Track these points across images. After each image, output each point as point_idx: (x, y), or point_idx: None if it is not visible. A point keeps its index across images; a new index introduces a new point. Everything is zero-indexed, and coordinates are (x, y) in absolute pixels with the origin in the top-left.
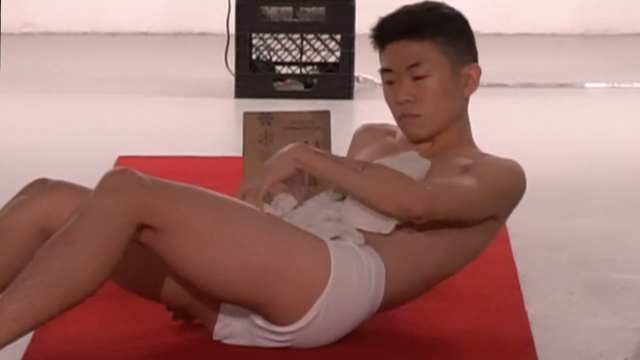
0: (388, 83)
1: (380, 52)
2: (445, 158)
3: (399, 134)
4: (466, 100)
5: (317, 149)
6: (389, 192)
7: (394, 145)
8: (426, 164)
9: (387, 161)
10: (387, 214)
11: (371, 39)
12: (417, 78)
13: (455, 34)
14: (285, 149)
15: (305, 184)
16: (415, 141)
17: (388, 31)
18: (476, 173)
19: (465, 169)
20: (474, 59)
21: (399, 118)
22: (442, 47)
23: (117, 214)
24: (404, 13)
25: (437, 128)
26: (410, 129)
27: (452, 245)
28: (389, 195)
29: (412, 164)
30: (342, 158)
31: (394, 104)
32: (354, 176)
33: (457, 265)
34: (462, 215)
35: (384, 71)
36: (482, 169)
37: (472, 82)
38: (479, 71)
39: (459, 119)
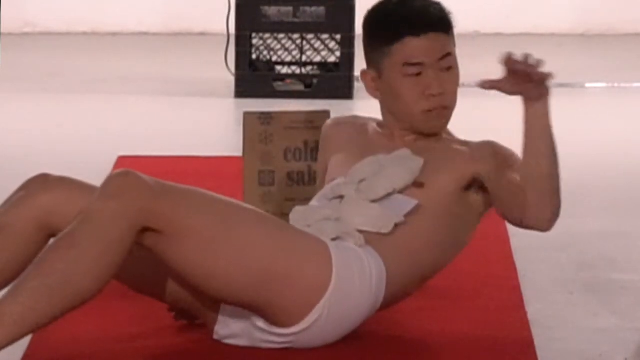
0: (413, 76)
1: (398, 44)
2: (432, 152)
3: (372, 127)
4: None
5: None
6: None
7: (371, 140)
8: (419, 161)
9: (381, 159)
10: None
11: (389, 31)
12: (444, 70)
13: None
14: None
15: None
16: (434, 133)
17: (419, 23)
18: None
19: (469, 164)
20: None
21: (425, 111)
22: (454, 37)
23: (120, 218)
24: (423, 4)
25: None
26: (438, 122)
27: (448, 239)
28: (545, 200)
29: (406, 162)
30: None
31: (420, 98)
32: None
33: (451, 258)
34: None
35: (411, 64)
36: (506, 153)
37: None
38: None
39: None
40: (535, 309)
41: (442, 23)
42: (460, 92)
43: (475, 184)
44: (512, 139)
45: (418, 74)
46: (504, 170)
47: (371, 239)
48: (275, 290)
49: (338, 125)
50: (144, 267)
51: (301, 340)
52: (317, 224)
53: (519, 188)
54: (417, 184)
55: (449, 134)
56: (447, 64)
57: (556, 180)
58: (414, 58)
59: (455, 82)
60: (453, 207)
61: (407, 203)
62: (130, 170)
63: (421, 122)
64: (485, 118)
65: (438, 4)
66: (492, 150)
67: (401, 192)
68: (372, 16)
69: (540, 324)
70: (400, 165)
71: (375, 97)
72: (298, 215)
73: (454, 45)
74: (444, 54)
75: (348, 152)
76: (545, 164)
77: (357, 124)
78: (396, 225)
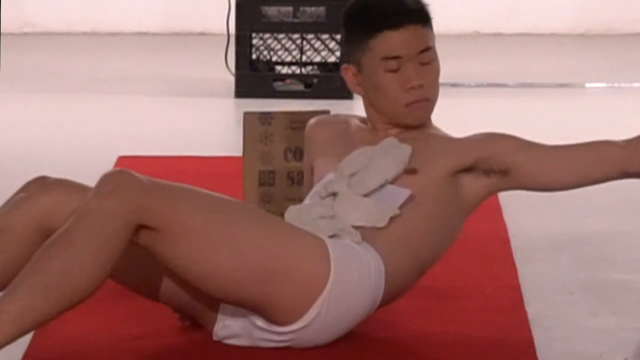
0: (392, 70)
1: (377, 38)
2: (418, 140)
3: (354, 123)
4: None
5: None
6: None
7: (355, 137)
8: (407, 149)
9: (368, 151)
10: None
11: (367, 25)
12: (423, 63)
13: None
14: None
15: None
16: (418, 125)
17: (395, 16)
18: (513, 137)
19: (463, 154)
20: None
21: (406, 104)
22: (432, 29)
23: (115, 215)
24: None
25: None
26: (421, 114)
27: (442, 226)
28: None
29: (394, 150)
30: None
31: (401, 91)
32: None
33: (447, 246)
34: None
35: (389, 58)
36: (501, 134)
37: None
38: None
39: None
40: (535, 309)
41: (419, 15)
42: (460, 91)
43: (473, 171)
44: None
45: (398, 68)
46: (535, 145)
47: (367, 234)
48: (274, 288)
49: (320, 125)
50: (142, 268)
51: (301, 339)
52: (312, 222)
53: (603, 145)
54: (410, 171)
55: (435, 128)
56: (427, 58)
57: None
58: (392, 51)
59: (435, 74)
60: (446, 193)
61: (400, 194)
62: (124, 169)
63: (404, 115)
64: (485, 117)
65: None
66: (502, 135)
67: (393, 181)
68: (351, 11)
69: (540, 324)
70: (389, 154)
71: (357, 92)
72: (293, 215)
73: (433, 37)
74: (423, 48)
75: (333, 151)
76: None
77: (340, 122)
78: (391, 218)
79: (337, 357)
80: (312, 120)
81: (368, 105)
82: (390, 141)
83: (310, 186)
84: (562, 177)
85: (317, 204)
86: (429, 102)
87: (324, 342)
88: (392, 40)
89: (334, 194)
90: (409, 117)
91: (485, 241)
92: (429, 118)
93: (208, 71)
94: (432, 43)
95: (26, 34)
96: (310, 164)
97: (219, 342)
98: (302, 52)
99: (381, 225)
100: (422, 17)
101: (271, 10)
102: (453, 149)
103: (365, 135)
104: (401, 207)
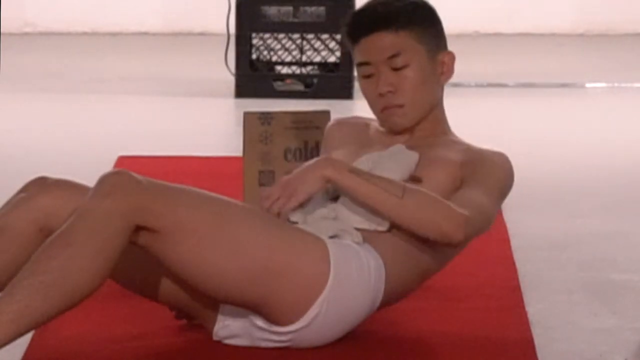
0: (366, 76)
1: (356, 46)
2: (429, 148)
3: (373, 126)
4: (442, 88)
5: (348, 166)
6: (429, 220)
7: (371, 138)
8: (414, 156)
9: (375, 156)
10: (426, 240)
11: (346, 34)
12: (396, 69)
13: (427, 22)
14: (312, 163)
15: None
16: (397, 132)
17: (364, 24)
18: (483, 182)
19: (461, 166)
20: (445, 46)
21: (381, 110)
22: (418, 35)
23: (114, 216)
24: (378, 5)
25: (418, 116)
26: (394, 120)
27: None
28: (430, 223)
29: (400, 157)
30: (377, 178)
31: (375, 97)
32: (392, 201)
33: (451, 254)
34: (484, 231)
35: (361, 64)
36: (486, 173)
37: (447, 69)
38: (452, 57)
39: (437, 108)
40: (535, 309)
41: (387, 22)
42: (460, 91)
43: None
44: (512, 138)
45: (372, 74)
46: (462, 185)
47: (368, 236)
48: (273, 287)
49: (339, 124)
50: (141, 268)
51: (301, 339)
52: (314, 223)
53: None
54: (415, 179)
55: (451, 134)
56: (397, 64)
57: (401, 209)
58: (362, 57)
59: (410, 80)
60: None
61: None
62: (122, 170)
63: (382, 121)
64: (485, 117)
65: (396, 3)
66: (476, 161)
67: None
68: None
69: (541, 324)
70: (395, 160)
71: None
72: (294, 216)
73: (418, 42)
74: (392, 54)
75: (346, 149)
76: (398, 216)
77: (359, 123)
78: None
79: (337, 357)
80: (333, 121)
81: None
82: (398, 147)
83: None
84: None
85: (320, 205)
86: (404, 108)
87: (323, 342)
88: (362, 47)
89: (338, 196)
90: (385, 123)
91: (485, 241)
92: (408, 124)
93: (208, 71)
94: (405, 48)
95: (26, 34)
96: None
97: (218, 342)
98: (302, 52)
99: (382, 228)
100: (391, 24)
101: (271, 10)
102: (456, 162)
103: (382, 137)
104: None
